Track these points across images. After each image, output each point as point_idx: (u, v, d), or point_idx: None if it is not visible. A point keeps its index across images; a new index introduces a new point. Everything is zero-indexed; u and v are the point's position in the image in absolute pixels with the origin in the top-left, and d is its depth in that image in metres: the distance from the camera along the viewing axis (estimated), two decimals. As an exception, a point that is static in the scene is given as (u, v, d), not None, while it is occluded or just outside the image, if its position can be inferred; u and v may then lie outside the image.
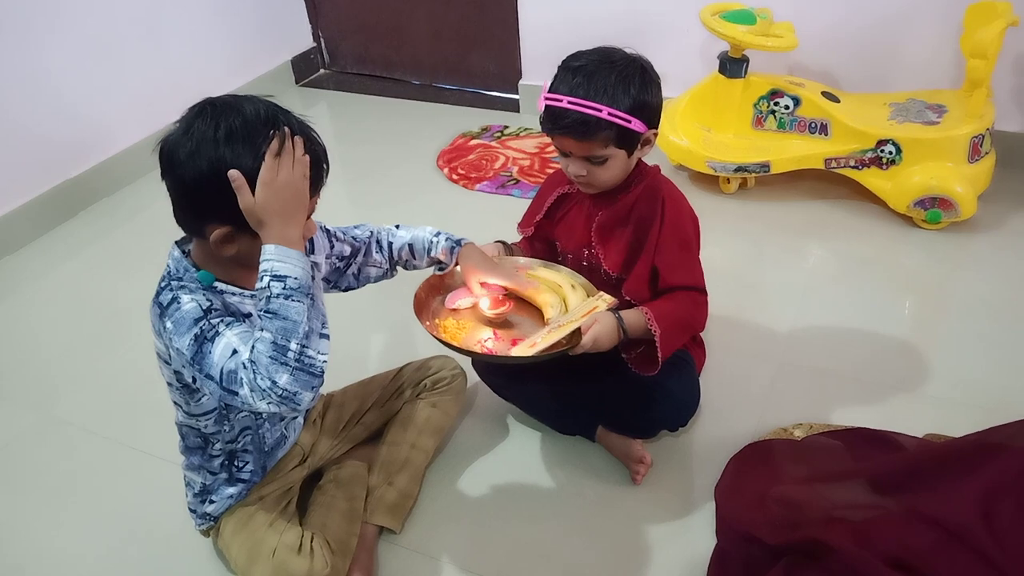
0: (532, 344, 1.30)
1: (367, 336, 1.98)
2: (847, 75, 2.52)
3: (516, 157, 2.76)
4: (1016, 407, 1.63)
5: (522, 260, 1.54)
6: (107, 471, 1.66)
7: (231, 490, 1.32)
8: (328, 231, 1.40)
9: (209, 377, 1.04)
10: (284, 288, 1.01)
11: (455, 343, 1.36)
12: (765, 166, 2.32)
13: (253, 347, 1.01)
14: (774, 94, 2.30)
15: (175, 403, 1.25)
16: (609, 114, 1.27)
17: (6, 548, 1.51)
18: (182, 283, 1.11)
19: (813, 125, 2.29)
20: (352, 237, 1.44)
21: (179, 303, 1.08)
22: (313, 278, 1.07)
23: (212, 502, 1.33)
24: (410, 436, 1.50)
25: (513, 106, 3.15)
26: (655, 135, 1.36)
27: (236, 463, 1.31)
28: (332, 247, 1.39)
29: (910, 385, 1.71)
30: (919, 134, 2.16)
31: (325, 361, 1.04)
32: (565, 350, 1.31)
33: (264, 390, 0.99)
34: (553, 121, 1.32)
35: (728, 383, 1.72)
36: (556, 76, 1.34)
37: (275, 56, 3.39)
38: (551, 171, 2.61)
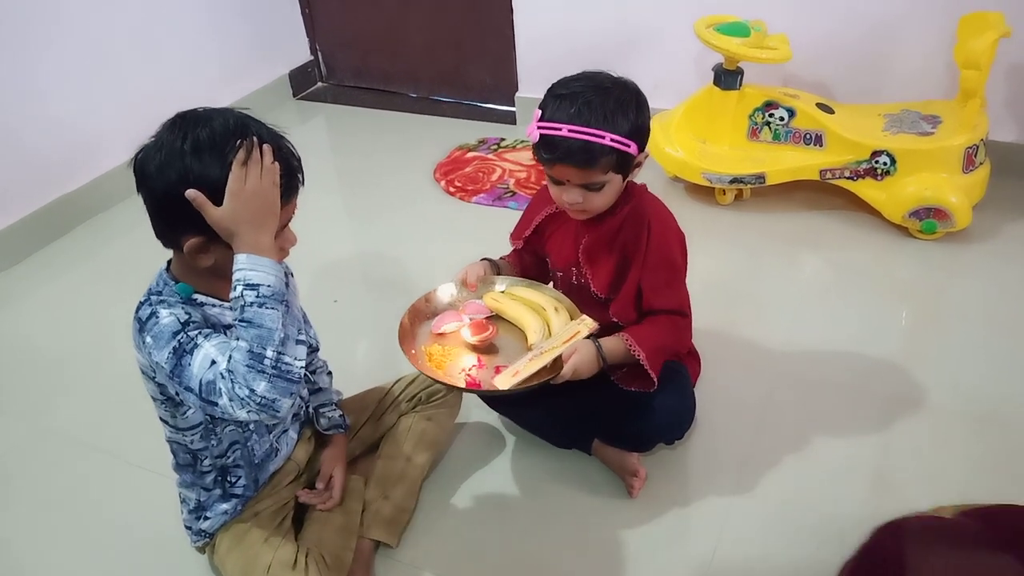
0: (515, 372, 1.31)
1: (361, 350, 1.98)
2: (841, 86, 2.53)
3: (513, 169, 2.77)
4: (1013, 417, 1.63)
5: (506, 280, 1.54)
6: (103, 485, 1.65)
7: (225, 506, 1.32)
8: (305, 315, 1.44)
9: (188, 389, 1.05)
10: (257, 296, 1.01)
11: (439, 373, 1.36)
12: (760, 177, 2.33)
13: (230, 357, 1.01)
14: (769, 106, 2.31)
15: (162, 419, 1.25)
16: (612, 140, 1.26)
17: (1, 561, 1.50)
18: (161, 297, 1.12)
19: (808, 136, 2.30)
20: (307, 335, 1.47)
21: (157, 317, 1.09)
22: (287, 285, 1.07)
23: (207, 518, 1.32)
24: (406, 450, 1.50)
25: (510, 118, 3.15)
26: (646, 157, 1.36)
27: (229, 478, 1.31)
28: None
29: (907, 396, 1.71)
30: (913, 145, 2.16)
31: (302, 367, 1.04)
32: (547, 380, 1.31)
33: (243, 399, 0.99)
34: (552, 151, 1.29)
35: (724, 395, 1.71)
36: (547, 104, 1.31)
37: (272, 70, 3.40)
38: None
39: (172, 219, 1.07)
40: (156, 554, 1.48)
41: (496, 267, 1.57)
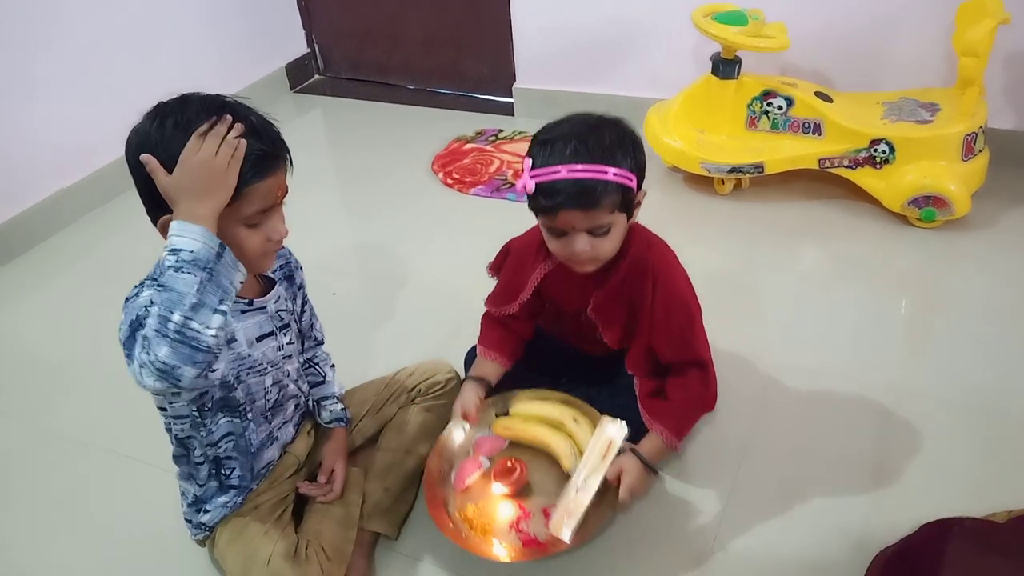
0: (568, 514, 1.28)
1: (361, 342, 1.98)
2: (840, 75, 2.52)
3: (511, 161, 2.76)
4: (1013, 406, 1.63)
5: (507, 399, 1.51)
6: (103, 481, 1.65)
7: (223, 498, 1.32)
8: (312, 309, 1.46)
9: (128, 359, 1.02)
10: (176, 261, 0.99)
11: (487, 543, 1.31)
12: (759, 167, 2.33)
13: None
14: (767, 95, 2.30)
15: (158, 407, 1.24)
16: (615, 175, 1.18)
17: (3, 561, 1.51)
18: (153, 280, 1.10)
19: (806, 125, 2.29)
20: (314, 328, 1.49)
21: (138, 297, 1.08)
22: (219, 255, 1.02)
23: (206, 511, 1.32)
24: (406, 442, 1.50)
25: (507, 109, 3.15)
26: (644, 195, 1.30)
27: (223, 470, 1.31)
28: (303, 310, 1.44)
29: (906, 386, 1.71)
30: (912, 133, 2.16)
31: (214, 336, 1.00)
32: (612, 516, 1.32)
33: (145, 363, 0.97)
34: (553, 196, 1.20)
35: (723, 385, 1.69)
36: (537, 151, 1.23)
37: (269, 63, 3.40)
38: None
39: (151, 198, 1.07)
40: (157, 549, 1.48)
41: (485, 383, 1.51)
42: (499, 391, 1.54)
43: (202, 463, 1.29)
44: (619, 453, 1.35)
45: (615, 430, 1.35)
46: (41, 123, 2.47)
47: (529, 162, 1.23)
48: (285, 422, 1.39)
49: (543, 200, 1.22)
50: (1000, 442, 1.56)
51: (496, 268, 1.58)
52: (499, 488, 1.38)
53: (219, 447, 1.28)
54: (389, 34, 3.39)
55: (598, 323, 1.41)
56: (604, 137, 1.21)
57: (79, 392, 1.90)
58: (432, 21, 3.26)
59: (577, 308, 1.44)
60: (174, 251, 0.99)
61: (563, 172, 1.18)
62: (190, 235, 1.00)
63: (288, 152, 1.14)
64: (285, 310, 1.33)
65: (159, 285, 0.99)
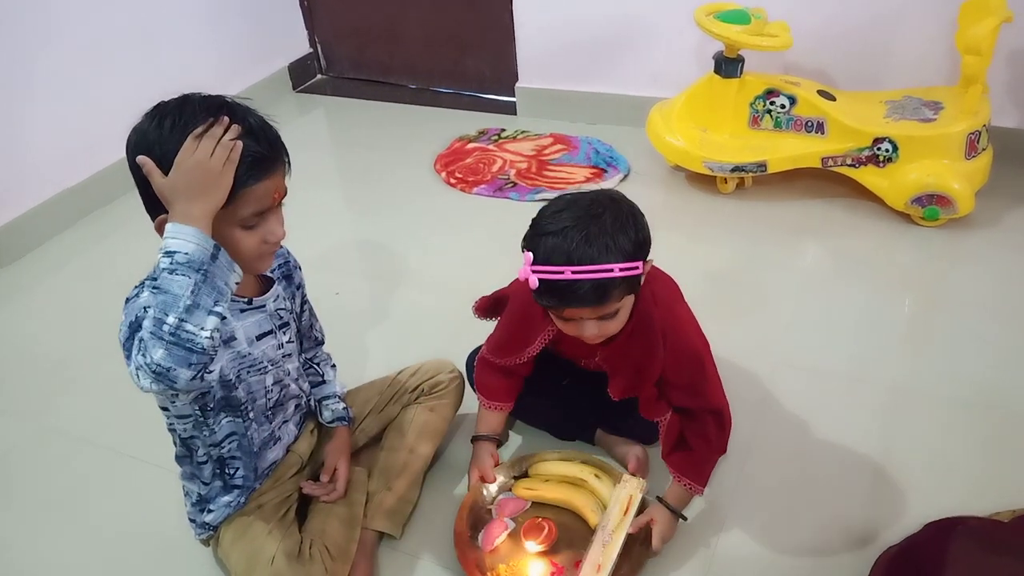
0: (597, 567, 1.30)
1: (364, 342, 1.98)
2: (842, 73, 2.52)
3: (513, 160, 2.76)
4: (1014, 404, 1.63)
5: (522, 462, 1.53)
6: (105, 481, 1.65)
7: (227, 498, 1.32)
8: (311, 309, 1.46)
9: (128, 360, 1.03)
10: (171, 263, 0.99)
11: None
12: (762, 165, 2.32)
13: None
14: (770, 93, 2.30)
15: (161, 407, 1.24)
16: (620, 270, 1.14)
17: (4, 561, 1.51)
18: (152, 280, 1.11)
19: (809, 124, 2.29)
20: (313, 329, 1.49)
21: (138, 297, 1.07)
22: (214, 257, 1.02)
23: (210, 511, 1.32)
24: (408, 441, 1.50)
25: (510, 109, 3.14)
26: (650, 264, 1.25)
27: (227, 470, 1.31)
28: (302, 310, 1.43)
29: (909, 385, 1.71)
30: (915, 131, 2.15)
31: (209, 337, 0.99)
32: (643, 566, 1.34)
33: (141, 365, 0.97)
34: (560, 297, 1.17)
35: (726, 385, 1.68)
36: (538, 243, 1.17)
37: (271, 63, 3.39)
38: (548, 175, 2.62)
39: (148, 198, 1.07)
40: (159, 549, 1.48)
41: (495, 440, 1.55)
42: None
43: (206, 463, 1.29)
44: (641, 504, 1.38)
45: (634, 486, 1.39)
46: (41, 123, 2.47)
47: (530, 256, 1.18)
48: (285, 421, 1.39)
49: (548, 299, 1.19)
50: (1003, 441, 1.56)
51: (484, 311, 1.57)
52: (533, 547, 1.39)
53: (223, 447, 1.28)
54: (391, 34, 3.39)
55: (606, 370, 1.40)
56: (606, 224, 1.15)
57: (81, 391, 1.90)
58: (434, 20, 3.26)
59: (584, 356, 1.45)
60: (168, 253, 0.99)
61: (567, 273, 1.13)
62: (184, 237, 1.00)
63: (287, 154, 1.13)
64: (284, 309, 1.33)
65: (154, 287, 0.99)
